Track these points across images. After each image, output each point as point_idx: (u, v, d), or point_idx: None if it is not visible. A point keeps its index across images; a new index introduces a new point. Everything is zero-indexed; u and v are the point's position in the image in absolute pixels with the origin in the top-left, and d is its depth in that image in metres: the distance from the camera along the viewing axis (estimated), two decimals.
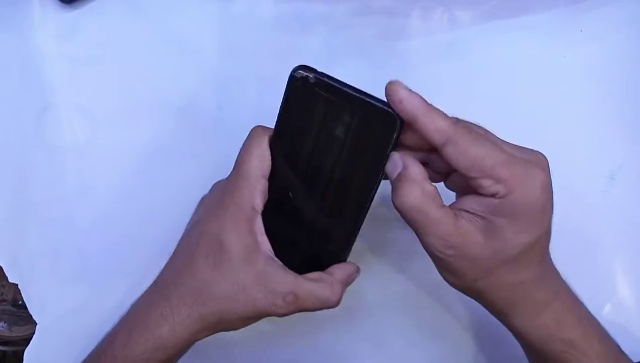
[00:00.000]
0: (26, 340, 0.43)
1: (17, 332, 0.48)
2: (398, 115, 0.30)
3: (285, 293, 0.32)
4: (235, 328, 0.34)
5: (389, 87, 0.29)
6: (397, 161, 0.31)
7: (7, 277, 0.44)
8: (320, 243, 0.35)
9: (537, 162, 0.30)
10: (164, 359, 0.33)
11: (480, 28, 0.43)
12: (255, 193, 0.32)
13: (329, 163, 0.32)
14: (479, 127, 0.31)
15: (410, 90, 0.29)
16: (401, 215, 0.31)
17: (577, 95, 0.43)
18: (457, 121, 0.30)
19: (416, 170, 0.30)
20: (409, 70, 0.44)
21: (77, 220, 0.45)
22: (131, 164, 0.44)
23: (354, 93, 0.30)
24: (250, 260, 0.32)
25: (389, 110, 0.30)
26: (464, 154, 0.29)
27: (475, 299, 0.33)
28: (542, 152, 0.31)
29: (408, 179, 0.30)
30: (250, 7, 0.45)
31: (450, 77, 0.43)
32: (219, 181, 0.37)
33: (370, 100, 0.30)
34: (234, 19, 0.45)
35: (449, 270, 0.31)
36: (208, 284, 0.32)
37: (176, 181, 0.44)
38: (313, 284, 0.33)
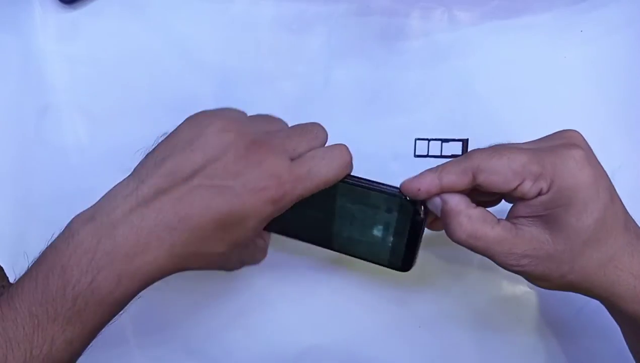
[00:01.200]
0: None
1: None
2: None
3: (243, 261, 0.37)
4: None
5: (403, 189, 0.32)
6: (436, 201, 0.32)
7: (7, 277, 0.44)
8: None
9: (564, 142, 0.30)
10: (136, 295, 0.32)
11: (480, 28, 0.43)
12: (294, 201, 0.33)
13: (354, 240, 0.35)
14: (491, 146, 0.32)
15: (417, 175, 0.32)
16: (466, 248, 0.31)
17: (577, 96, 0.43)
18: (467, 154, 0.31)
19: (455, 201, 0.31)
20: (409, 70, 0.44)
21: None
22: (131, 164, 0.44)
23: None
24: (249, 242, 0.36)
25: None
26: (492, 171, 0.30)
27: (577, 292, 0.32)
28: None
29: (451, 212, 0.31)
30: (250, 7, 0.45)
31: (450, 77, 0.43)
32: (257, 117, 0.36)
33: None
34: (234, 19, 0.45)
35: (535, 277, 0.31)
36: (208, 253, 0.32)
37: None
38: (260, 253, 0.39)
